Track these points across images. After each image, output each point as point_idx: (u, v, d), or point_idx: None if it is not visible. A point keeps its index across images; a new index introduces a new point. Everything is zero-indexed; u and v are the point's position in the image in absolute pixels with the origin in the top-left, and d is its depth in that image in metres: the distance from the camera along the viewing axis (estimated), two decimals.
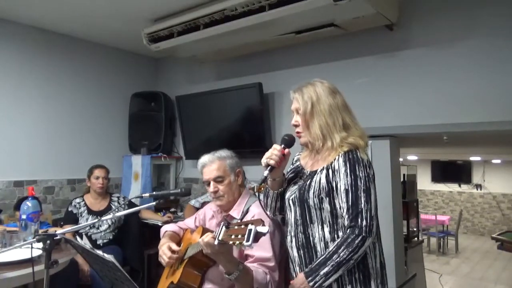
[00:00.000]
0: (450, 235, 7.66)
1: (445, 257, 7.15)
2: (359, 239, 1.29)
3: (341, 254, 1.29)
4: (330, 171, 1.39)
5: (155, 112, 4.05)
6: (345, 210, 1.34)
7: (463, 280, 5.77)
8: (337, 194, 1.37)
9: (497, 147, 6.15)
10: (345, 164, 1.36)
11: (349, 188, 1.34)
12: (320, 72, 3.02)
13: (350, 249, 1.28)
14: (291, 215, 1.48)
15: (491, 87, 2.35)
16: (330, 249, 1.32)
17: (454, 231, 7.72)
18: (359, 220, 1.30)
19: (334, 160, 1.39)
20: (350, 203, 1.33)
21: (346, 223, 1.33)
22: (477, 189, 9.91)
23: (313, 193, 1.39)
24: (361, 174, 1.34)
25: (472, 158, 9.47)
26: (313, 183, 1.41)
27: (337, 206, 1.37)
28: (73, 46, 3.77)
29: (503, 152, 7.36)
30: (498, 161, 9.35)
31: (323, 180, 1.39)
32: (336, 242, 1.32)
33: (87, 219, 3.03)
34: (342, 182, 1.36)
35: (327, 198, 1.38)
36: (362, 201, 1.32)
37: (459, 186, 10.17)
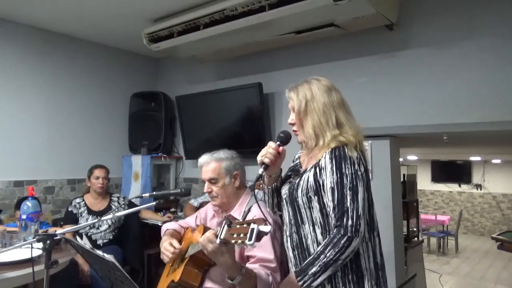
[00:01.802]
0: (450, 235, 7.66)
1: (445, 257, 7.15)
2: (344, 239, 1.25)
3: (328, 255, 1.26)
4: (318, 169, 1.37)
5: (155, 112, 4.05)
6: (331, 209, 1.31)
7: (463, 280, 5.77)
8: (325, 193, 1.34)
9: (497, 147, 6.16)
10: (331, 161, 1.33)
11: (335, 186, 1.31)
12: (320, 72, 2.97)
13: (337, 249, 1.25)
14: (286, 214, 1.47)
15: (491, 87, 2.35)
16: (318, 248, 1.31)
17: (454, 231, 7.73)
18: (345, 219, 1.27)
19: (322, 157, 1.37)
20: (336, 202, 1.30)
21: (333, 222, 1.31)
22: (477, 189, 9.91)
23: (301, 191, 1.38)
24: (347, 172, 1.31)
25: (472, 158, 9.47)
26: (301, 182, 1.40)
27: (326, 205, 1.35)
28: (73, 46, 3.77)
29: (503, 152, 7.36)
30: (498, 161, 9.35)
31: (311, 179, 1.37)
32: (324, 242, 1.31)
33: (87, 219, 3.03)
34: (328, 180, 1.33)
35: (316, 197, 1.36)
36: (348, 200, 1.28)
37: (459, 186, 10.17)
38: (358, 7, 2.32)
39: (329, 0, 2.22)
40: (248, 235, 1.13)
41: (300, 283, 1.29)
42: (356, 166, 1.33)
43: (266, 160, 1.42)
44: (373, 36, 2.80)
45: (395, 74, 2.73)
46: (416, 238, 3.82)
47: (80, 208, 3.09)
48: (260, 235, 1.13)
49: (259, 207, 1.51)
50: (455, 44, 2.49)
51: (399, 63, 2.71)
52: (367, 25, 2.65)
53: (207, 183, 1.76)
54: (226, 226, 1.23)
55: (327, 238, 1.31)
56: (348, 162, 1.32)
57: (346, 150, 1.34)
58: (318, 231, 1.36)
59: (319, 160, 1.38)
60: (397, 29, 2.69)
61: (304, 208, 1.38)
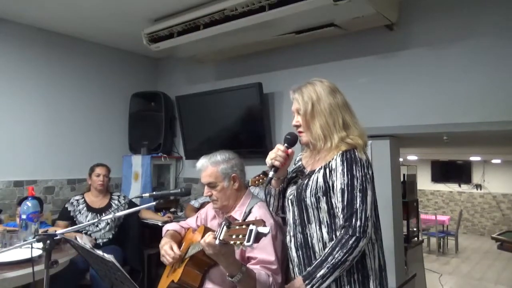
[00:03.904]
0: (450, 235, 7.66)
1: (445, 257, 7.15)
2: (353, 239, 1.27)
3: (336, 256, 1.27)
4: (328, 170, 1.38)
5: (155, 112, 4.05)
6: (340, 210, 1.33)
7: (463, 280, 5.77)
8: (334, 194, 1.36)
9: (497, 147, 6.15)
10: (342, 164, 1.35)
11: (345, 188, 1.32)
12: (320, 72, 3.02)
13: (345, 250, 1.27)
14: (290, 215, 1.48)
15: (491, 87, 2.35)
16: (326, 250, 1.31)
17: (454, 231, 7.73)
18: (353, 220, 1.29)
19: (332, 159, 1.39)
20: (345, 203, 1.31)
21: (341, 223, 1.32)
22: (477, 189, 9.91)
23: (310, 192, 1.39)
24: (358, 174, 1.33)
25: (472, 158, 9.47)
26: (310, 182, 1.41)
27: (334, 205, 1.36)
28: (73, 46, 3.77)
29: (503, 152, 7.35)
30: (498, 161, 9.35)
31: (320, 179, 1.38)
32: (331, 243, 1.31)
33: (86, 216, 3.03)
34: (339, 181, 1.34)
35: (324, 198, 1.37)
36: (358, 201, 1.30)
37: (459, 186, 10.17)
38: (358, 7, 2.32)
39: (329, 0, 2.22)
40: (246, 236, 1.13)
41: (308, 286, 1.29)
42: (366, 169, 1.36)
43: (277, 163, 1.43)
44: (373, 36, 2.80)
45: (395, 74, 2.73)
46: (416, 238, 3.82)
47: (78, 205, 3.08)
48: (258, 237, 1.13)
49: (267, 205, 1.51)
50: (455, 44, 2.49)
51: (399, 63, 2.71)
52: (367, 25, 2.65)
53: (206, 187, 1.76)
54: (225, 227, 1.23)
55: (334, 241, 1.32)
56: (359, 164, 1.35)
57: (356, 153, 1.37)
58: (324, 230, 1.37)
59: (329, 161, 1.39)
60: (397, 29, 2.69)
61: (312, 208, 1.39)
